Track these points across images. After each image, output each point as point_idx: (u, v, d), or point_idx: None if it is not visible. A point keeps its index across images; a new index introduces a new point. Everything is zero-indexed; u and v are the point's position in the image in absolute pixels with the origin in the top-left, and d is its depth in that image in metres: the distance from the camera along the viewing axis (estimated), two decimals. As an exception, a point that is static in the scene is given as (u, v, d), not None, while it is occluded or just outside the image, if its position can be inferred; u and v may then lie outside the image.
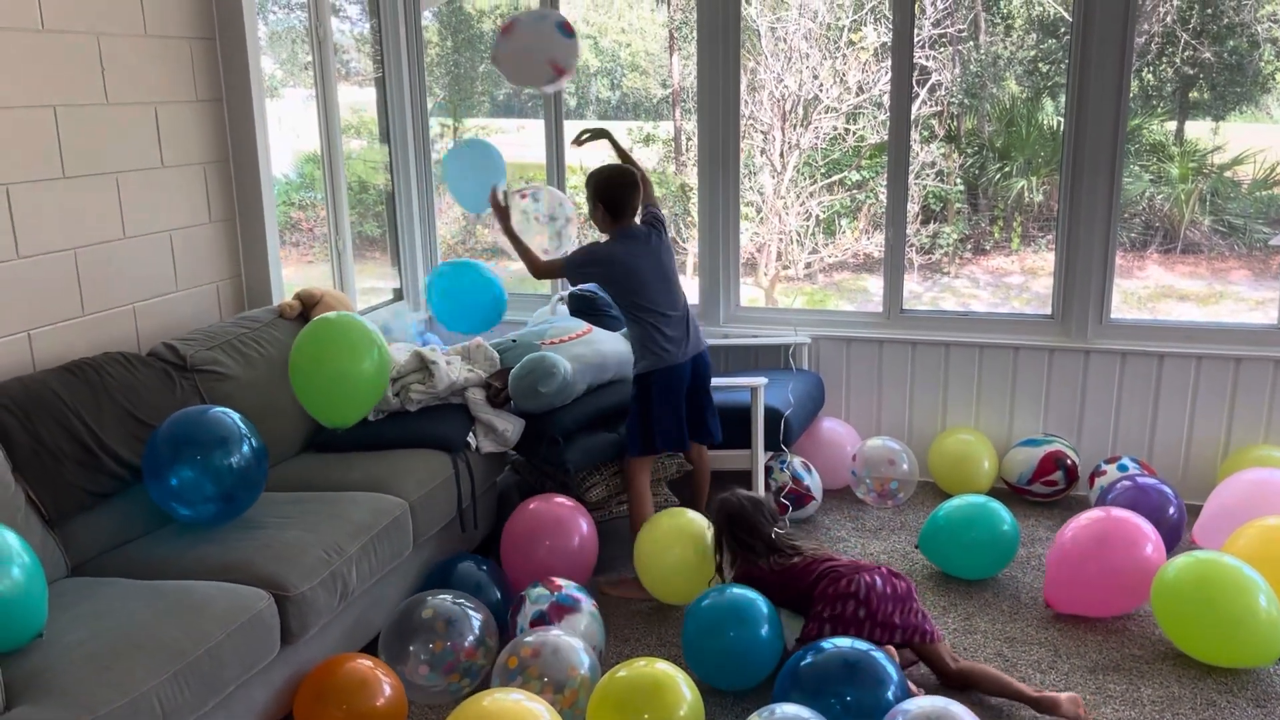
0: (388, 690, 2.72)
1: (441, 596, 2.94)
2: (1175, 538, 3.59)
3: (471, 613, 2.93)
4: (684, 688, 2.57)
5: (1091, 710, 2.87)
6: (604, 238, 3.58)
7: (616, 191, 3.50)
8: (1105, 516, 3.35)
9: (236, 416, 2.98)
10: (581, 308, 4.31)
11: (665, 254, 3.56)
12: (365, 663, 2.76)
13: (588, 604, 3.10)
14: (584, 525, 3.46)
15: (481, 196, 3.77)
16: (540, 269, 3.62)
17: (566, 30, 3.56)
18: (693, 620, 2.99)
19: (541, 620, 3.00)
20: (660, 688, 2.54)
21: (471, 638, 2.87)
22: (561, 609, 3.02)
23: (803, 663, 2.65)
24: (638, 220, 3.57)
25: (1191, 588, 3.02)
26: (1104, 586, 3.26)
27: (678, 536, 3.34)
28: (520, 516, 3.47)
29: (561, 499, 3.50)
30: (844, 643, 2.68)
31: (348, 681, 2.69)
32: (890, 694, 2.55)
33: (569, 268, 3.56)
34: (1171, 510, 3.62)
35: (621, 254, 3.49)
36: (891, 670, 2.61)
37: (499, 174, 3.86)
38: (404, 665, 2.83)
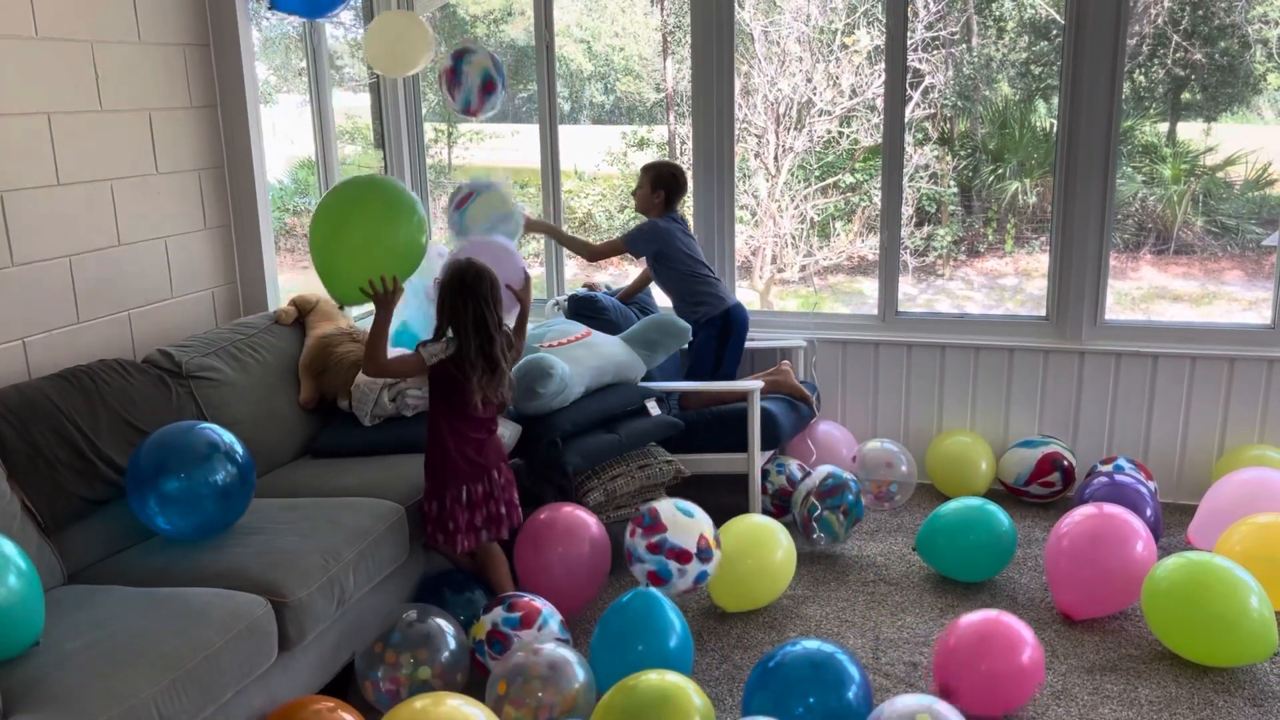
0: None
1: (422, 615, 2.89)
2: (1154, 538, 3.51)
3: (443, 640, 2.85)
4: (694, 698, 2.47)
5: (1089, 711, 2.87)
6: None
7: (676, 184, 4.25)
8: (1096, 513, 3.35)
9: (220, 431, 2.93)
10: (581, 310, 4.31)
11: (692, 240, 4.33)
12: (326, 704, 2.62)
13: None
14: (594, 529, 3.39)
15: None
16: (596, 251, 4.40)
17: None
18: None
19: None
20: (667, 700, 2.44)
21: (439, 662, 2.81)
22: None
23: (770, 664, 2.66)
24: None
25: (1181, 590, 3.02)
26: (1101, 585, 3.26)
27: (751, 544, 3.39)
28: (532, 526, 3.41)
29: (570, 508, 3.46)
30: (811, 644, 2.68)
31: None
32: (851, 695, 2.57)
33: (630, 243, 4.23)
34: (1149, 511, 3.58)
35: (671, 229, 4.21)
36: (855, 671, 2.62)
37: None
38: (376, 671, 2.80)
